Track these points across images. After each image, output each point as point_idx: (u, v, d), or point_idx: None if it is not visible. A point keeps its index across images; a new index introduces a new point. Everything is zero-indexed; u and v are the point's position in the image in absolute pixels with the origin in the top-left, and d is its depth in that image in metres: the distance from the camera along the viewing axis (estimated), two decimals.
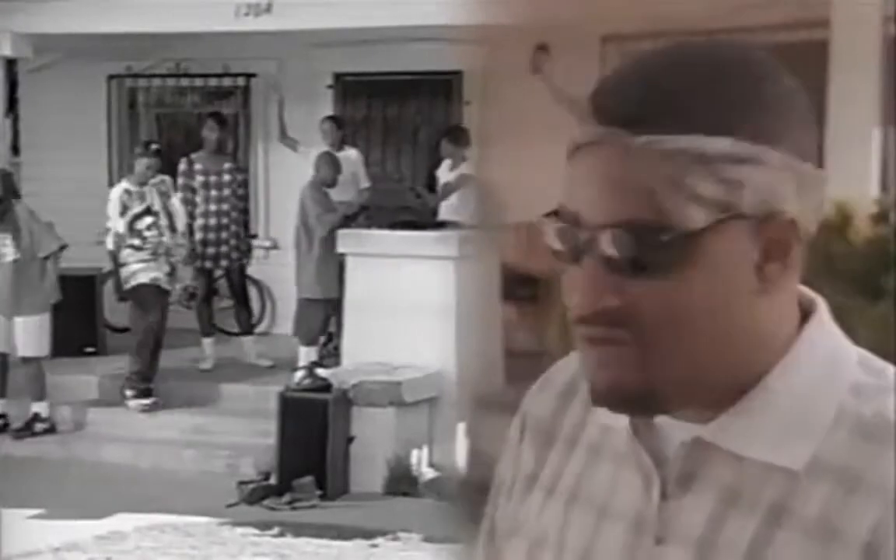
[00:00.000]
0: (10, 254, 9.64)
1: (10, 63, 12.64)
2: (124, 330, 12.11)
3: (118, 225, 9.98)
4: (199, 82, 12.97)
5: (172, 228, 10.15)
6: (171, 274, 10.18)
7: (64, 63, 12.58)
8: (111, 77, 13.06)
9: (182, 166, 10.93)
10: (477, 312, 9.25)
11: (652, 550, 1.13)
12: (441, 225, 9.92)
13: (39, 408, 9.73)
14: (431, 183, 11.06)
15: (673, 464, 1.13)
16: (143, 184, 10.07)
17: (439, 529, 7.43)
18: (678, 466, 1.12)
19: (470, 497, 7.33)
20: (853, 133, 8.57)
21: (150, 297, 9.96)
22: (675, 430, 1.13)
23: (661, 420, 1.14)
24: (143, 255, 9.98)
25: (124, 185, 10.18)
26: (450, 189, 10.51)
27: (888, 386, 1.09)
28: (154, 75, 13.06)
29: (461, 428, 8.71)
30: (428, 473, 8.67)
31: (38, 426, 9.69)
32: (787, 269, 1.09)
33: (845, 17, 8.51)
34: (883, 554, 1.02)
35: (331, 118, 11.27)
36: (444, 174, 10.64)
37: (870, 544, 1.03)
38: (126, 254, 10.02)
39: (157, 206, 10.05)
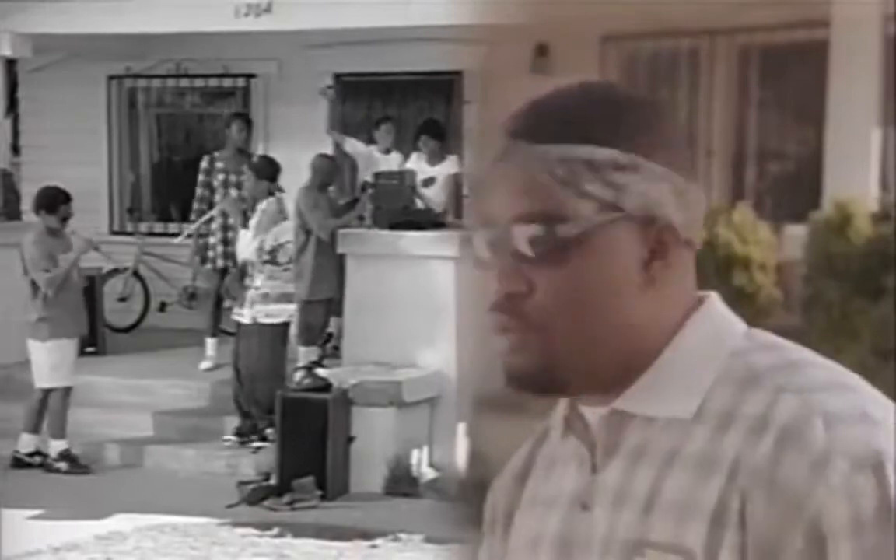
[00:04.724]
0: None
1: (10, 63, 12.64)
2: (124, 330, 12.16)
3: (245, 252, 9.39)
4: (199, 82, 12.97)
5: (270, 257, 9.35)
6: (249, 304, 9.31)
7: (64, 63, 12.57)
8: (111, 77, 13.05)
9: (204, 164, 10.94)
10: (477, 312, 9.24)
11: (579, 516, 1.31)
12: (441, 225, 9.92)
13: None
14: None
15: (598, 439, 1.31)
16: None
17: (440, 530, 7.42)
18: (602, 439, 1.30)
19: (470, 497, 7.33)
20: (853, 133, 8.57)
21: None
22: (593, 413, 1.31)
23: (586, 410, 1.32)
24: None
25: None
26: (430, 183, 10.51)
27: (761, 347, 1.29)
28: (154, 75, 13.06)
29: (461, 428, 8.71)
30: (428, 474, 8.66)
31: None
32: (670, 268, 1.28)
33: (845, 17, 8.51)
34: (741, 471, 1.19)
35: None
36: (418, 166, 10.60)
37: (734, 465, 1.20)
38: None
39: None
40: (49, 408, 9.16)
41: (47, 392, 9.16)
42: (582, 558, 1.30)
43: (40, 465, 9.18)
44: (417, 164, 10.63)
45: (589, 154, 1.25)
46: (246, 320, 9.24)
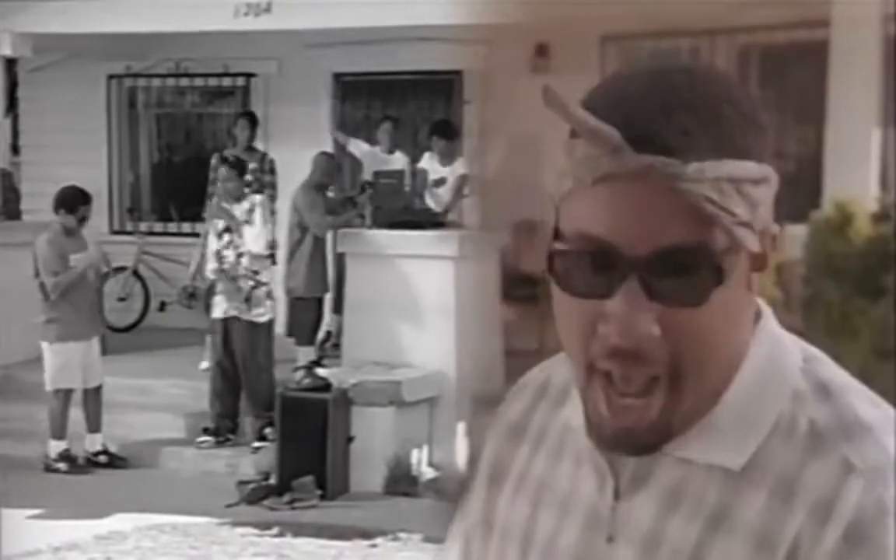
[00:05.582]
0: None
1: (10, 63, 12.64)
2: (124, 330, 12.15)
3: (209, 244, 9.43)
4: (199, 82, 12.97)
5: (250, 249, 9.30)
6: (248, 301, 9.30)
7: (64, 63, 12.57)
8: (111, 77, 13.05)
9: (213, 162, 10.97)
10: (477, 312, 9.25)
11: (603, 548, 1.18)
12: (441, 225, 9.92)
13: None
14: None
15: (626, 466, 1.17)
16: (238, 199, 9.41)
17: (439, 529, 7.39)
18: (630, 468, 1.17)
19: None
20: (853, 133, 8.56)
21: (219, 332, 9.41)
22: None
23: None
24: (224, 282, 9.36)
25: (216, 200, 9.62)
26: (441, 183, 10.53)
27: (823, 394, 1.14)
28: (154, 75, 13.05)
29: (461, 428, 8.71)
30: (428, 473, 8.66)
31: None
32: (758, 283, 1.14)
33: (845, 17, 8.50)
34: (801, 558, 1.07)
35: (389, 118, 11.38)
36: (431, 166, 10.64)
37: (792, 550, 1.07)
38: (216, 281, 9.43)
39: (236, 225, 9.32)
40: (50, 407, 9.17)
41: (83, 392, 9.21)
42: None
43: (107, 464, 9.26)
44: (430, 165, 10.66)
45: (737, 171, 1.08)
46: (263, 319, 9.32)
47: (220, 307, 9.42)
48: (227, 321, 9.36)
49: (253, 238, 9.29)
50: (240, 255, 9.30)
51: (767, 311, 1.18)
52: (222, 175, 9.50)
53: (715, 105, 1.10)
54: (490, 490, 1.34)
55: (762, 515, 1.10)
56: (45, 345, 9.19)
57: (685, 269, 1.07)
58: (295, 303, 10.30)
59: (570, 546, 1.22)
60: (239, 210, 9.36)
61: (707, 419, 1.13)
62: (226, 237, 9.36)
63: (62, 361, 9.10)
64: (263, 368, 9.34)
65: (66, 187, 9.48)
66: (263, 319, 9.34)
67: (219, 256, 9.35)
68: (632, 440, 1.12)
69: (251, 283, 9.30)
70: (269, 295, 9.47)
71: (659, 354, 1.08)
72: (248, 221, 9.32)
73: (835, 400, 1.13)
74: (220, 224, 9.39)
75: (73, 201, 9.27)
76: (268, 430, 9.14)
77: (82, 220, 9.31)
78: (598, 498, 1.20)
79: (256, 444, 9.22)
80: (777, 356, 1.16)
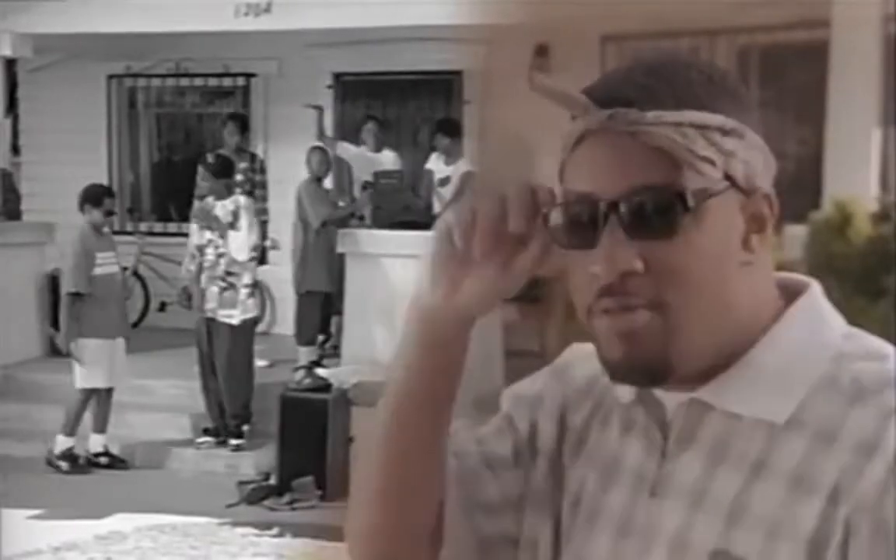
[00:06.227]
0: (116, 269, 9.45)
1: (10, 63, 12.64)
2: None
3: (191, 241, 9.44)
4: (199, 82, 12.97)
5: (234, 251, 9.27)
6: (227, 302, 9.27)
7: (64, 63, 12.58)
8: (111, 77, 13.06)
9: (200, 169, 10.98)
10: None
11: (646, 503, 1.26)
12: None
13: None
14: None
15: (673, 425, 1.25)
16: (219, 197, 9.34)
17: None
18: (678, 427, 1.25)
19: None
20: (853, 133, 8.56)
21: (203, 333, 9.37)
22: (671, 397, 1.25)
23: (657, 391, 1.26)
24: (204, 282, 9.32)
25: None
26: (446, 182, 10.53)
27: (866, 354, 1.21)
28: (154, 75, 13.06)
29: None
30: None
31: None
32: (764, 246, 1.22)
33: (845, 17, 8.50)
34: (844, 497, 1.12)
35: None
36: (437, 166, 10.65)
37: (835, 488, 1.12)
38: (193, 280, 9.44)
39: (217, 226, 9.28)
40: (69, 404, 9.18)
41: (96, 391, 9.21)
42: (644, 546, 1.25)
43: (108, 465, 9.25)
44: (436, 164, 10.66)
45: (700, 119, 1.18)
46: (235, 321, 9.28)
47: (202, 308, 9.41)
48: (208, 321, 9.35)
49: (237, 246, 9.27)
50: (220, 256, 9.29)
51: (817, 290, 1.27)
52: (199, 176, 9.48)
53: (679, 68, 1.23)
54: (558, 430, 1.39)
55: (803, 460, 1.15)
56: (72, 343, 9.19)
57: (658, 205, 1.16)
58: (302, 298, 10.31)
59: (617, 511, 1.28)
60: (222, 211, 9.34)
61: (745, 372, 1.20)
62: (206, 235, 9.35)
63: (93, 360, 9.11)
64: (241, 367, 9.34)
65: (91, 184, 9.52)
66: (242, 320, 9.31)
67: (200, 255, 9.34)
68: (635, 366, 1.20)
69: (224, 284, 9.29)
70: (251, 295, 9.45)
71: (643, 288, 1.18)
72: (233, 226, 9.30)
73: (880, 360, 1.20)
74: (202, 223, 9.40)
75: (98, 195, 9.32)
76: (244, 427, 9.23)
77: (108, 214, 9.35)
78: (645, 461, 1.27)
79: (234, 442, 9.24)
80: (818, 325, 1.24)
